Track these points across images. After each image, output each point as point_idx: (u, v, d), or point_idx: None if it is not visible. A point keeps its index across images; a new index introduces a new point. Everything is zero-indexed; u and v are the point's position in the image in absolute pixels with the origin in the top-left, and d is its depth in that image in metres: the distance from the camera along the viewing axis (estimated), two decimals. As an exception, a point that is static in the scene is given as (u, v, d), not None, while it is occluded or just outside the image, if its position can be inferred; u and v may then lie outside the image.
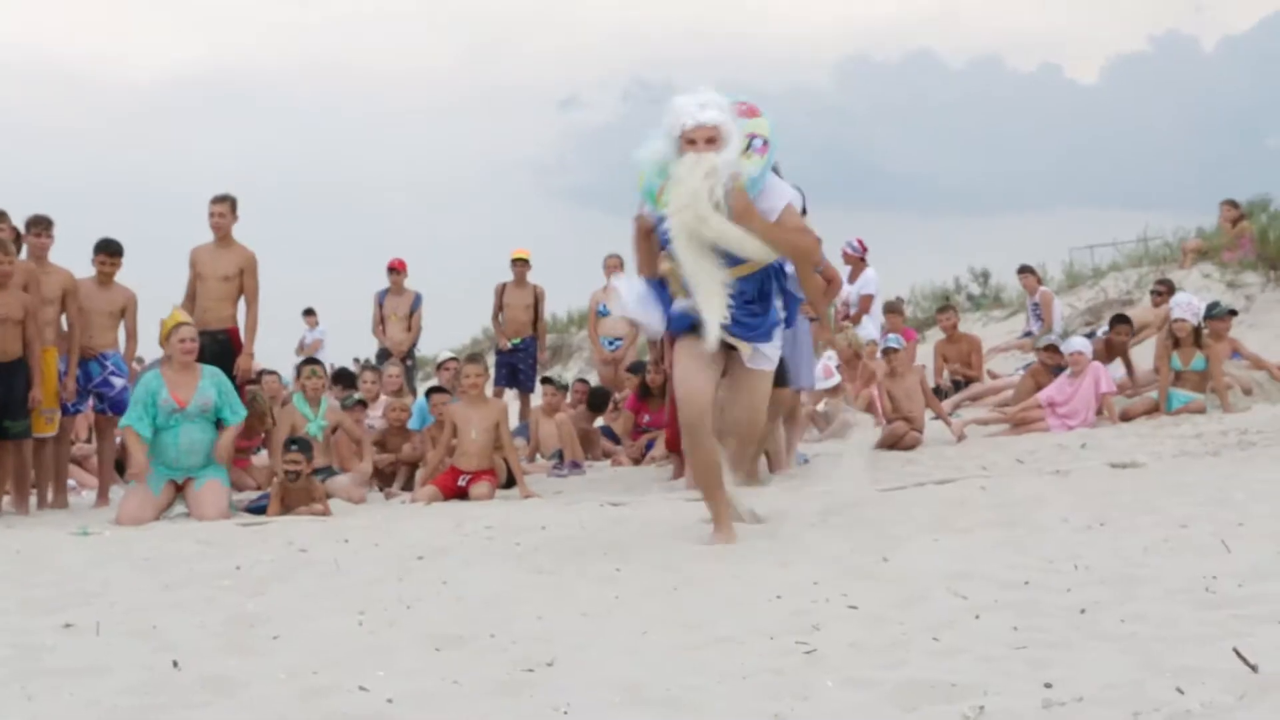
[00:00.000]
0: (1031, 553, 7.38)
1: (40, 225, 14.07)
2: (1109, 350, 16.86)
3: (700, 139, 8.31)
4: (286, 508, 12.38)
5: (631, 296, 8.85)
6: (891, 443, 14.92)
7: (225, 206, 14.41)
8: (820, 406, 16.41)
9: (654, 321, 8.84)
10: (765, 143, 8.60)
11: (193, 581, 8.19)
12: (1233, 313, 17.19)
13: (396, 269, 19.63)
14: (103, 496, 14.37)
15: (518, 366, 18.26)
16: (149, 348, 15.50)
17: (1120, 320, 17.34)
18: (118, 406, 14.10)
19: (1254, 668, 4.35)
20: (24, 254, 13.82)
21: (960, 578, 6.70)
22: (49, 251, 14.13)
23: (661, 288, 8.78)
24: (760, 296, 8.72)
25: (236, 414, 12.97)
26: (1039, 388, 16.32)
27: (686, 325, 8.61)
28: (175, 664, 5.51)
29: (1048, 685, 4.51)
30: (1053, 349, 16.64)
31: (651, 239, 8.84)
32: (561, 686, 4.82)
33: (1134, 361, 17.22)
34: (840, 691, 4.62)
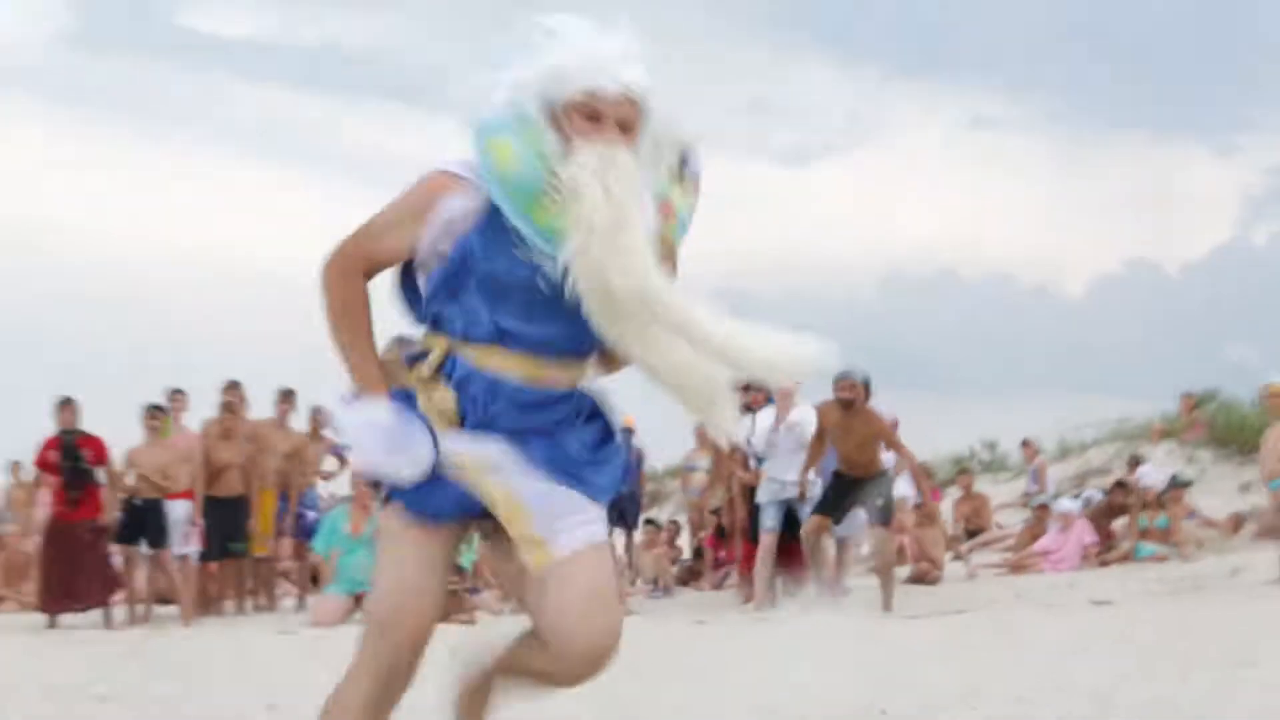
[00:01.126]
0: (1028, 672, 7.36)
1: (285, 397, 14.54)
2: (1110, 509, 16.61)
3: (612, 118, 3.39)
4: (443, 617, 12.46)
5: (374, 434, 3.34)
6: (919, 578, 14.85)
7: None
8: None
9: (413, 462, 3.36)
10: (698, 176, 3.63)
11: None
12: (1188, 483, 17.12)
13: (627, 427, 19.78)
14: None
15: (624, 509, 18.33)
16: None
17: (1119, 485, 17.05)
18: (309, 534, 14.47)
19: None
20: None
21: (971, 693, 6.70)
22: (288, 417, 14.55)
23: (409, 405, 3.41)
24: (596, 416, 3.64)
25: None
26: (1035, 538, 16.27)
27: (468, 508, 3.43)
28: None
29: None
30: (1044, 508, 16.61)
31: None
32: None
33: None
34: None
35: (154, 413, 13.57)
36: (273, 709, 6.68)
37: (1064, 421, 25.63)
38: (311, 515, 14.74)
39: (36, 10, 43.62)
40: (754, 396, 13.80)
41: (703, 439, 17.19)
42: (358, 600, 12.66)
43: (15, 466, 17.47)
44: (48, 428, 13.22)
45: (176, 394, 14.29)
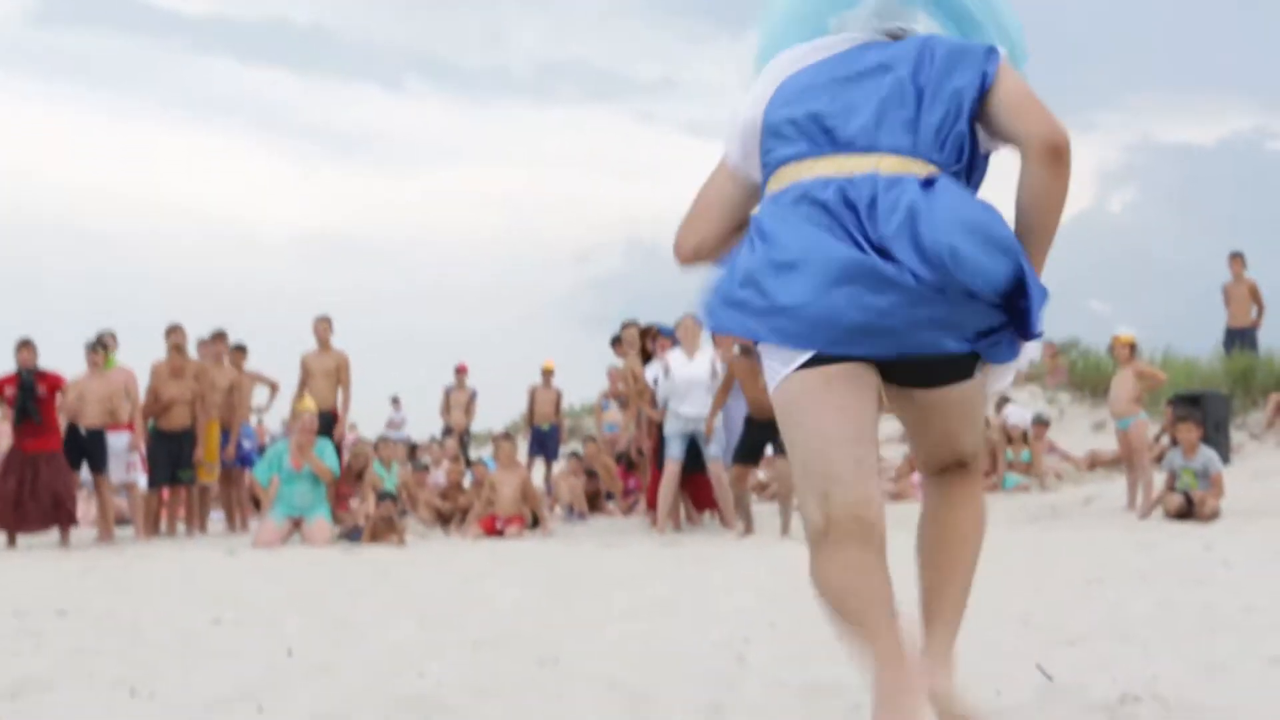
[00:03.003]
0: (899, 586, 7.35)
1: (218, 338, 14.50)
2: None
3: None
4: (374, 538, 12.47)
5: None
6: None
7: (325, 324, 14.63)
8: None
9: None
10: None
11: (305, 590, 8.21)
12: (1049, 422, 17.35)
13: (461, 371, 19.84)
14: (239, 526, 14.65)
15: (546, 443, 18.24)
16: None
17: (985, 423, 17.23)
18: (247, 462, 14.53)
19: (1050, 679, 4.36)
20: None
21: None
22: (222, 356, 14.47)
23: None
24: None
25: (333, 468, 13.22)
26: (913, 469, 16.38)
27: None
28: (289, 652, 5.50)
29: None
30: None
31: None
32: (564, 677, 4.81)
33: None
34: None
35: (96, 348, 13.62)
36: (217, 622, 6.60)
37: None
38: (247, 445, 14.73)
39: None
40: (661, 341, 13.82)
41: (614, 380, 17.20)
42: (295, 524, 12.72)
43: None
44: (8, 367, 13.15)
45: (110, 335, 14.35)
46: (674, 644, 5.53)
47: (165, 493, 14.27)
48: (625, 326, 15.48)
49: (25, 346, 12.83)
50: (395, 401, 24.74)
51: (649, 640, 5.69)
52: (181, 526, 14.20)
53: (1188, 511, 11.67)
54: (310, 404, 13.84)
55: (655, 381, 13.17)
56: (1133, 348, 13.37)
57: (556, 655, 5.21)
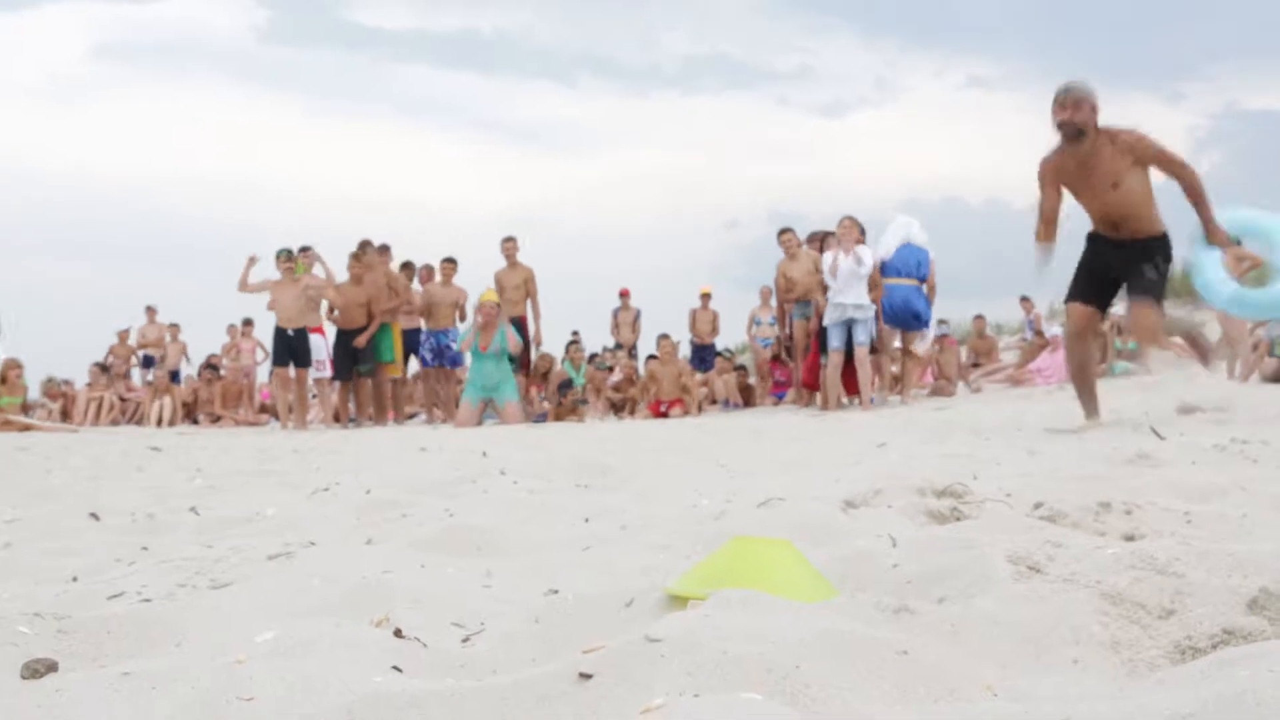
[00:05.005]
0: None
1: (382, 250, 14.75)
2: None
3: None
4: (558, 418, 12.79)
5: None
6: (937, 392, 14.92)
7: (512, 242, 14.84)
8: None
9: None
10: None
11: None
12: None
13: (624, 294, 20.04)
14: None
15: (705, 357, 18.36)
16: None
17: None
18: (455, 363, 14.68)
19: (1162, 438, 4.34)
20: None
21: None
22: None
23: None
24: None
25: (518, 341, 13.44)
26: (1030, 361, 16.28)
27: None
28: (502, 472, 5.71)
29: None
30: (1040, 335, 16.64)
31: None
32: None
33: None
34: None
35: (282, 256, 13.85)
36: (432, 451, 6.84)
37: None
38: (455, 348, 14.94)
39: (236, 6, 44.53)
40: (828, 241, 13.82)
41: (765, 296, 17.23)
42: (486, 405, 12.98)
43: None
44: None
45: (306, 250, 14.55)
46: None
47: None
48: (781, 232, 15.43)
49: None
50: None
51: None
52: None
53: (1284, 374, 11.42)
54: (493, 294, 14.02)
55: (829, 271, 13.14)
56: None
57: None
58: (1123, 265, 6.20)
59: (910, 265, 13.09)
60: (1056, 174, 6.23)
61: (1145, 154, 6.13)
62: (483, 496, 3.82)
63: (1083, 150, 6.09)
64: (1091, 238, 6.39)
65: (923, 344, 14.26)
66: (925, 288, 13.30)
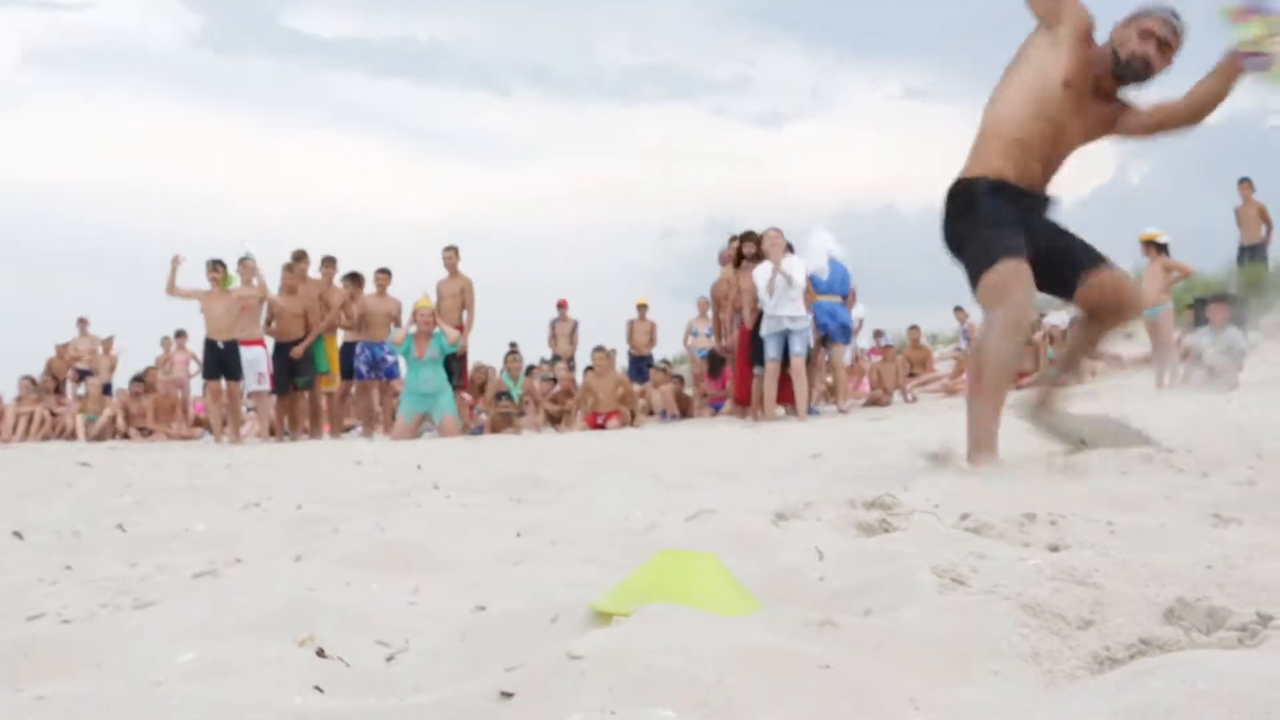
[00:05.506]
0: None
1: (328, 262, 14.63)
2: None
3: None
4: (494, 430, 12.75)
5: None
6: (874, 402, 15.06)
7: (453, 252, 14.76)
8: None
9: None
10: None
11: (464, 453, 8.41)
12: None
13: (562, 305, 20.00)
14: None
15: (642, 369, 18.42)
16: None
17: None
18: (391, 375, 14.57)
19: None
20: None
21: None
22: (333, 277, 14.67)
23: None
24: None
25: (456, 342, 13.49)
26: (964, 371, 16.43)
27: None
28: (436, 486, 5.69)
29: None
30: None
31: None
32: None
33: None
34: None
35: (215, 266, 13.72)
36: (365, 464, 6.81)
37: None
38: (391, 360, 14.83)
39: (168, 13, 44.08)
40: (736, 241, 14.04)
41: (702, 307, 17.30)
42: (422, 419, 12.93)
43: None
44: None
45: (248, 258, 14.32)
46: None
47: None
48: (732, 240, 15.45)
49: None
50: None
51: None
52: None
53: (1212, 383, 11.65)
54: (428, 301, 13.92)
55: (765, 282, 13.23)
56: (1159, 245, 13.26)
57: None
58: (1047, 228, 4.48)
59: (836, 281, 13.46)
60: (1082, 71, 4.37)
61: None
62: (415, 511, 3.80)
63: (1116, 91, 4.41)
64: (1001, 188, 4.40)
65: (847, 354, 14.57)
66: (846, 301, 13.74)
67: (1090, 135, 4.49)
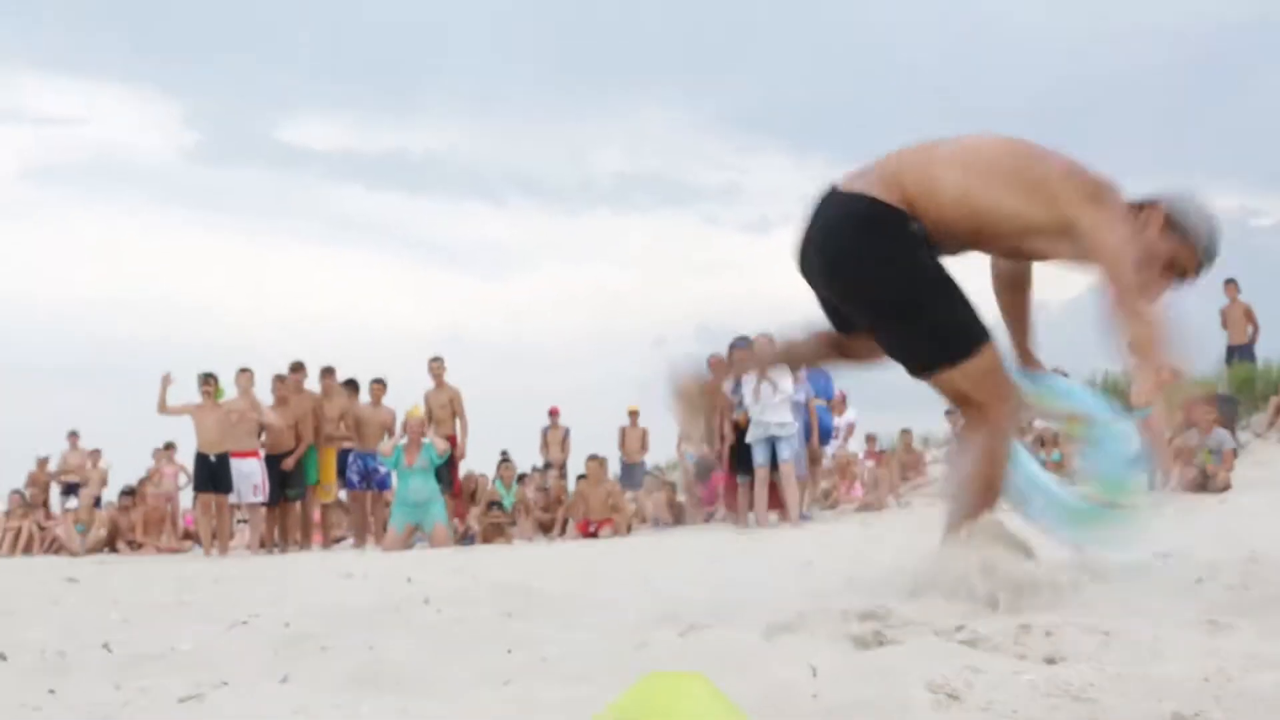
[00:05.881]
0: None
1: (327, 372, 14.66)
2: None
3: None
4: (486, 540, 12.68)
5: None
6: (867, 505, 15.02)
7: (439, 363, 14.79)
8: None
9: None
10: None
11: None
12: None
13: (554, 413, 19.96)
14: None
15: (635, 477, 18.37)
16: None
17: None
18: (383, 485, 14.51)
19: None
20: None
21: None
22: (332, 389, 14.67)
23: None
24: None
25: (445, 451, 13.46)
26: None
27: None
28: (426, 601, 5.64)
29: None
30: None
31: None
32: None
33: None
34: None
35: (207, 380, 13.68)
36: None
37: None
38: (383, 470, 14.76)
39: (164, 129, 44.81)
40: (739, 353, 14.01)
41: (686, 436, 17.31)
42: (414, 530, 12.87)
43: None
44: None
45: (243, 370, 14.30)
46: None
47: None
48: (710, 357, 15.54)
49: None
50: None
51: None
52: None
53: (1203, 484, 11.62)
54: (420, 411, 13.95)
55: (735, 391, 13.27)
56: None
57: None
58: None
59: (820, 387, 13.64)
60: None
61: None
62: (405, 628, 3.76)
63: None
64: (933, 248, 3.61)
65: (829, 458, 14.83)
66: (832, 405, 13.97)
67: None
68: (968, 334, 3.49)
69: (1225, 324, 18.31)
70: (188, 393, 13.67)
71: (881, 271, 3.50)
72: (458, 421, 14.73)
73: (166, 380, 13.34)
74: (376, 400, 14.83)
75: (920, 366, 3.58)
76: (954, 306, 3.50)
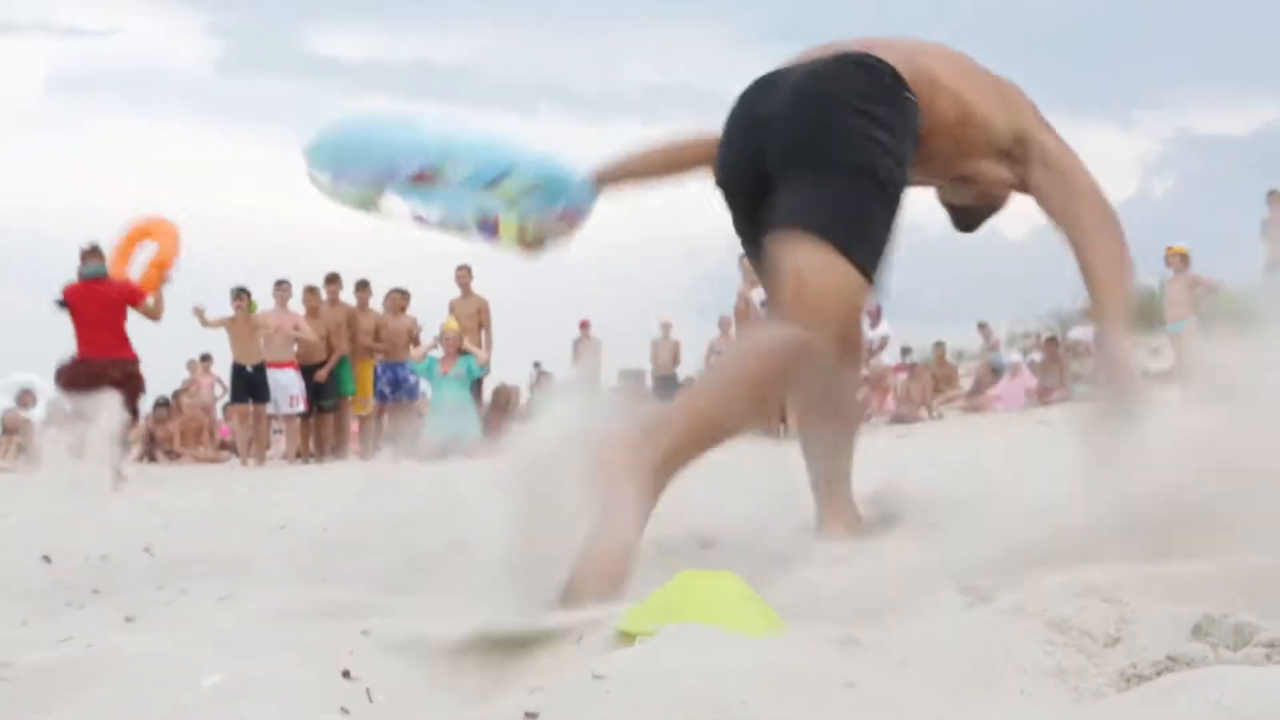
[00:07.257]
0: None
1: (362, 285, 14.72)
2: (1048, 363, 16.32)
3: None
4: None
5: None
6: (900, 418, 15.11)
7: (466, 271, 14.72)
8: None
9: None
10: None
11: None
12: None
13: (584, 325, 19.85)
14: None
15: (667, 390, 18.39)
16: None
17: (1051, 340, 16.82)
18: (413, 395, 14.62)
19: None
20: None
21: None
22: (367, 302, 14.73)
23: None
24: None
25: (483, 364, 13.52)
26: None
27: None
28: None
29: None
30: (993, 369, 16.77)
31: None
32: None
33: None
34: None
35: (239, 295, 13.85)
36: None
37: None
38: (413, 380, 14.84)
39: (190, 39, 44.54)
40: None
41: (725, 326, 17.29)
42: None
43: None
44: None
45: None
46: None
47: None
48: (742, 258, 15.48)
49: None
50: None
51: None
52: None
53: (1236, 399, 11.59)
54: (454, 324, 13.96)
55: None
56: (1184, 257, 13.17)
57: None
58: None
59: None
60: None
61: None
62: (441, 533, 3.80)
63: None
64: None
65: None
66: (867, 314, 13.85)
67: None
68: (875, 255, 2.66)
69: (1264, 237, 18.02)
70: (222, 308, 13.80)
71: (866, 131, 2.67)
72: (483, 334, 14.72)
73: (198, 311, 13.43)
74: (400, 310, 14.86)
75: (810, 227, 2.61)
76: (889, 225, 2.72)
